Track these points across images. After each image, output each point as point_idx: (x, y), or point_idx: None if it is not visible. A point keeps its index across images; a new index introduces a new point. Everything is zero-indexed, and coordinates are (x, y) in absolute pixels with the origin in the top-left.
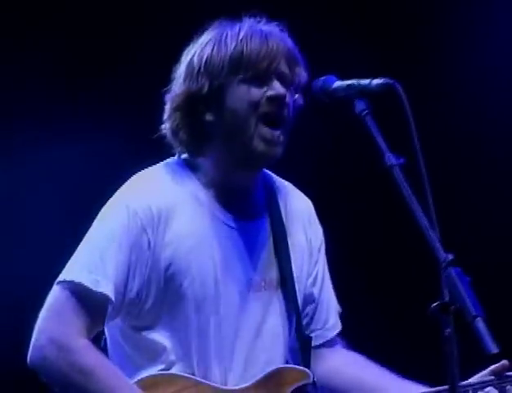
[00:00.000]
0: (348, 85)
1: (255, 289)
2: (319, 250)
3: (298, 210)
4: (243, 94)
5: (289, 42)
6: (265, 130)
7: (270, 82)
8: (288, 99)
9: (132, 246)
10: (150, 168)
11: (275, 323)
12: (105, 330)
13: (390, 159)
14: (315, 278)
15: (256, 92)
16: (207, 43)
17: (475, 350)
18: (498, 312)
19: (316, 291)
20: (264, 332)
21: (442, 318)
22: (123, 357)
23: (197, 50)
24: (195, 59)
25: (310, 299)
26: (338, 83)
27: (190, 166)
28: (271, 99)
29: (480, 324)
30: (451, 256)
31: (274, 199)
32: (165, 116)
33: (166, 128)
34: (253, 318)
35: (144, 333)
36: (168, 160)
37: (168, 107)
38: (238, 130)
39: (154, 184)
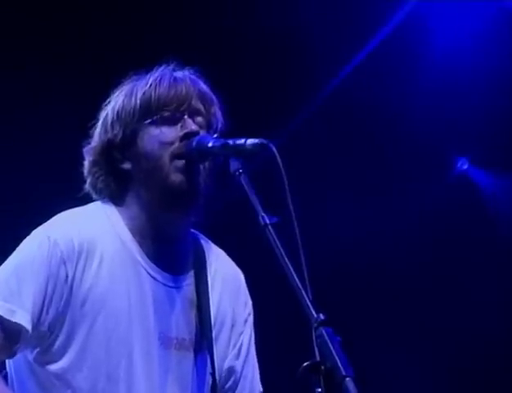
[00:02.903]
0: (223, 144)
1: (166, 345)
2: (245, 321)
3: (227, 276)
4: (154, 136)
5: (202, 85)
6: (180, 162)
7: (182, 121)
8: (202, 134)
9: (49, 277)
10: (77, 207)
11: (186, 384)
12: (8, 364)
13: (264, 219)
14: (239, 350)
15: (168, 132)
16: (119, 96)
17: None
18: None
19: (239, 364)
20: (173, 390)
21: (312, 378)
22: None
23: (111, 104)
24: (109, 112)
25: (232, 372)
26: (213, 143)
27: (117, 209)
28: (183, 138)
29: (350, 384)
30: (322, 316)
31: (202, 260)
32: (85, 172)
33: (87, 183)
34: (164, 374)
35: (50, 370)
36: (97, 202)
37: (86, 162)
38: (154, 170)
39: (79, 220)
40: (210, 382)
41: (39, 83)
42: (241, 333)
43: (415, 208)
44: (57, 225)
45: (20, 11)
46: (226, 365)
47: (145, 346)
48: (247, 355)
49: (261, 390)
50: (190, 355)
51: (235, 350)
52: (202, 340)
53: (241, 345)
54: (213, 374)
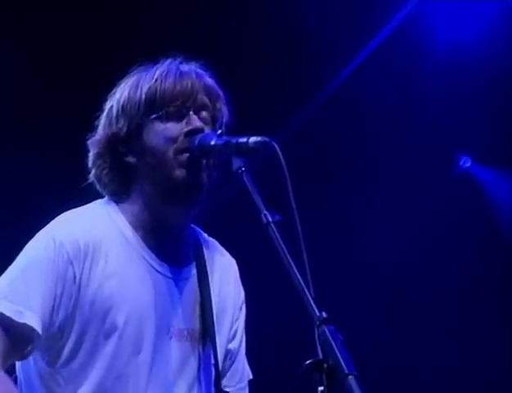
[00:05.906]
0: (226, 143)
1: (177, 338)
2: (240, 309)
3: (223, 266)
4: (159, 131)
5: (208, 80)
6: (184, 157)
7: (187, 117)
8: (206, 131)
9: (57, 278)
10: (79, 207)
11: (192, 376)
12: (18, 367)
13: (266, 217)
14: (234, 335)
15: (173, 128)
16: (125, 88)
17: None
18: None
19: (234, 348)
20: (180, 383)
21: (315, 376)
22: None
23: (116, 96)
24: (114, 105)
25: (228, 355)
26: (215, 141)
27: (119, 206)
28: (187, 134)
29: (352, 382)
30: (324, 314)
31: (200, 251)
32: (89, 163)
33: (92, 175)
34: (171, 367)
35: (61, 373)
36: (98, 200)
37: (91, 154)
38: (158, 165)
39: (82, 220)
40: (214, 373)
41: (42, 72)
42: (237, 319)
43: (416, 205)
44: (61, 226)
45: None
46: (224, 350)
47: (153, 340)
48: (241, 341)
49: (251, 376)
50: (196, 347)
51: (232, 335)
52: (206, 331)
53: (236, 331)
54: (215, 365)
